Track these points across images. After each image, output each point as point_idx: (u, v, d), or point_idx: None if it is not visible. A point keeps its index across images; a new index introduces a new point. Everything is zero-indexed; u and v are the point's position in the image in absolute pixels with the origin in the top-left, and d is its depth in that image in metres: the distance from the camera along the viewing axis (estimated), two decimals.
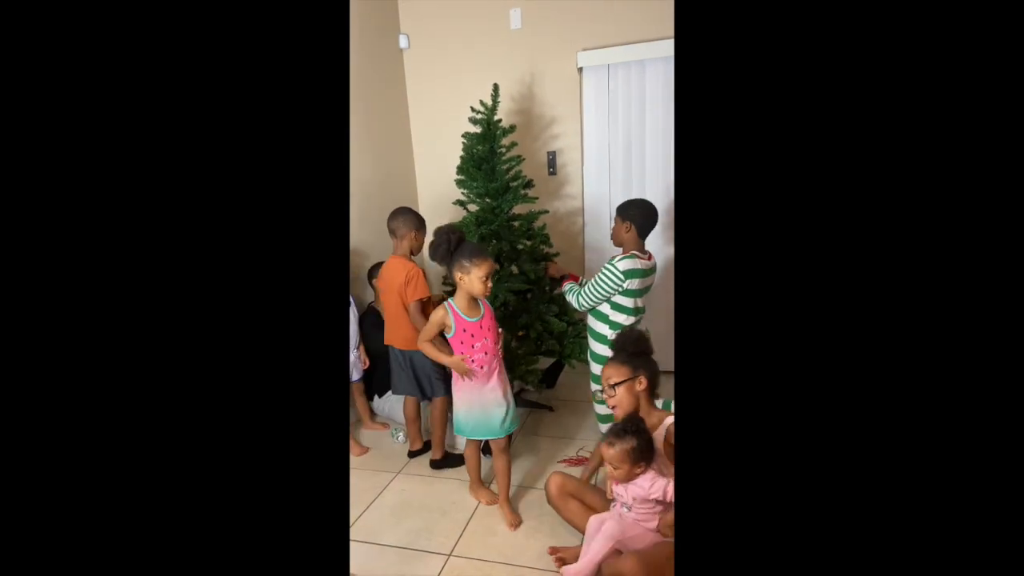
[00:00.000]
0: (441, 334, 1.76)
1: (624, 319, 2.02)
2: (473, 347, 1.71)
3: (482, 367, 1.72)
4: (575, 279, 2.27)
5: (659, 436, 1.50)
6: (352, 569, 1.60)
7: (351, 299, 2.34)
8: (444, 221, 2.58)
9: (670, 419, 1.53)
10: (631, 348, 1.60)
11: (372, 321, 2.43)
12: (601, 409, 2.14)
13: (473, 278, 1.65)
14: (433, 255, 1.71)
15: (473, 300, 1.73)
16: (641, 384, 1.54)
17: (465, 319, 1.70)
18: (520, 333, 2.22)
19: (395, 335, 2.07)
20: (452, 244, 1.68)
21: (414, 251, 2.08)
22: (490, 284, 1.67)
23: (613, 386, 1.55)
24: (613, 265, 1.97)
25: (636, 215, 1.99)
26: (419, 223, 2.08)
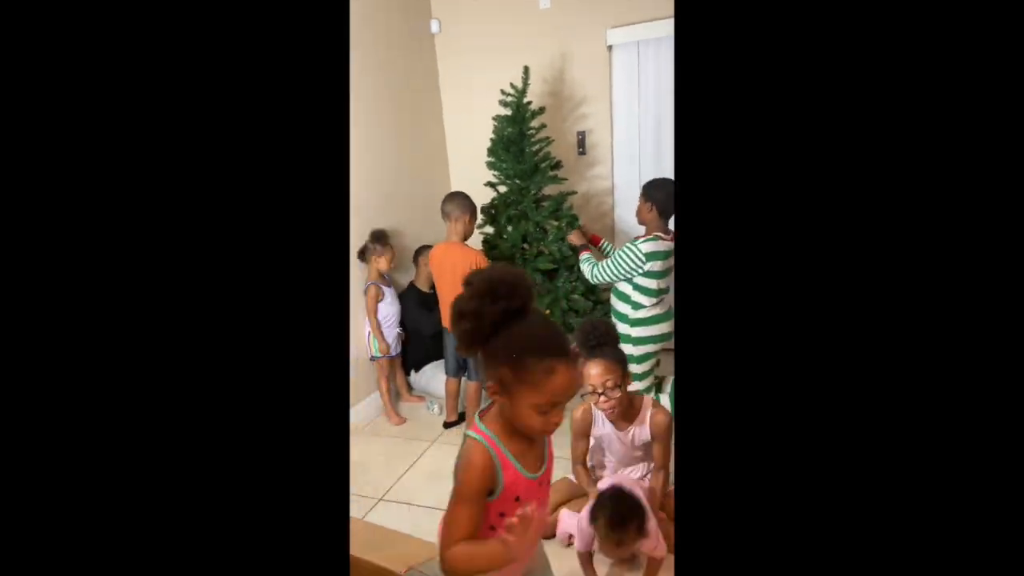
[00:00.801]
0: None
1: (647, 300, 2.04)
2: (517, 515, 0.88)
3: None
4: (596, 241, 2.30)
5: (643, 426, 1.51)
6: (387, 525, 1.75)
7: (388, 280, 2.47)
8: (477, 203, 2.68)
9: (649, 402, 1.52)
10: (611, 341, 1.48)
11: (413, 300, 2.56)
12: None
13: (523, 405, 0.80)
14: (456, 324, 0.83)
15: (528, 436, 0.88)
16: (628, 379, 1.48)
17: (519, 471, 0.86)
18: (546, 312, 2.29)
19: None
20: (498, 316, 0.79)
21: (467, 235, 2.16)
22: (556, 420, 0.83)
23: (612, 387, 1.40)
24: (636, 246, 1.98)
25: (658, 195, 1.98)
26: (472, 208, 2.16)
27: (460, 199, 2.14)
